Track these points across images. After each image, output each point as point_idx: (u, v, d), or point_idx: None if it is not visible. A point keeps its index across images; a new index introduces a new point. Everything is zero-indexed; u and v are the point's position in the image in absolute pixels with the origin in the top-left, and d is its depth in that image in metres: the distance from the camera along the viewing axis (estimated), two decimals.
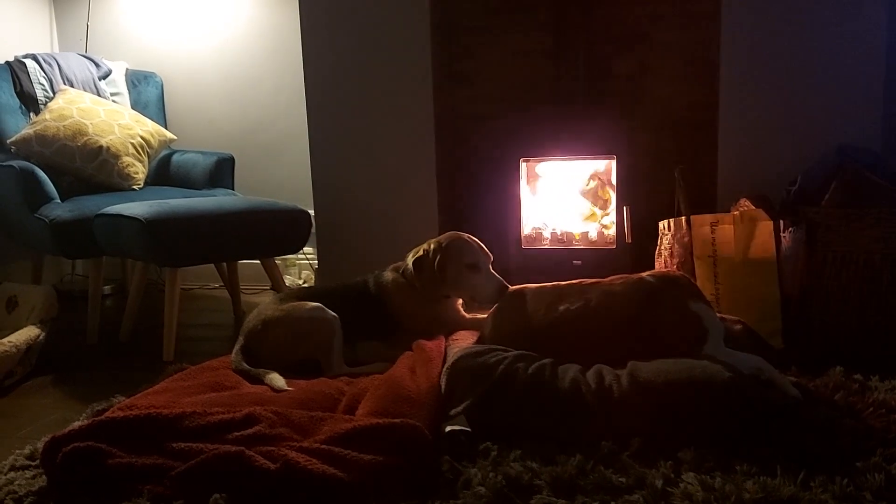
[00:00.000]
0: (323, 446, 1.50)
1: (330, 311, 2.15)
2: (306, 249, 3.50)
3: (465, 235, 2.27)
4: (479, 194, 3.13)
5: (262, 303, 2.30)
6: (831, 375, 1.98)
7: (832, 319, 2.21)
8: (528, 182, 3.02)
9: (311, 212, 3.09)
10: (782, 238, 2.37)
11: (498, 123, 3.13)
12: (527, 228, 3.01)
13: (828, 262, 2.22)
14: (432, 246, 2.23)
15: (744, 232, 2.40)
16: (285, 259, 3.80)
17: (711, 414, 1.62)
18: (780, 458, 1.49)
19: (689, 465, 1.49)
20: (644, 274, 2.07)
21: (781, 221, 2.38)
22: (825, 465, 1.46)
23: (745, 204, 2.51)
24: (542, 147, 2.96)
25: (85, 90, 3.42)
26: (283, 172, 3.79)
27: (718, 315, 2.04)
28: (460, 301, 2.33)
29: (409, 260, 2.26)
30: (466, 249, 2.22)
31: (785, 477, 1.41)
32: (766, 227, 2.38)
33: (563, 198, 3.05)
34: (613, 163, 2.89)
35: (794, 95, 2.79)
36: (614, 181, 2.90)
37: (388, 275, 2.30)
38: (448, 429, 1.67)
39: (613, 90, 3.03)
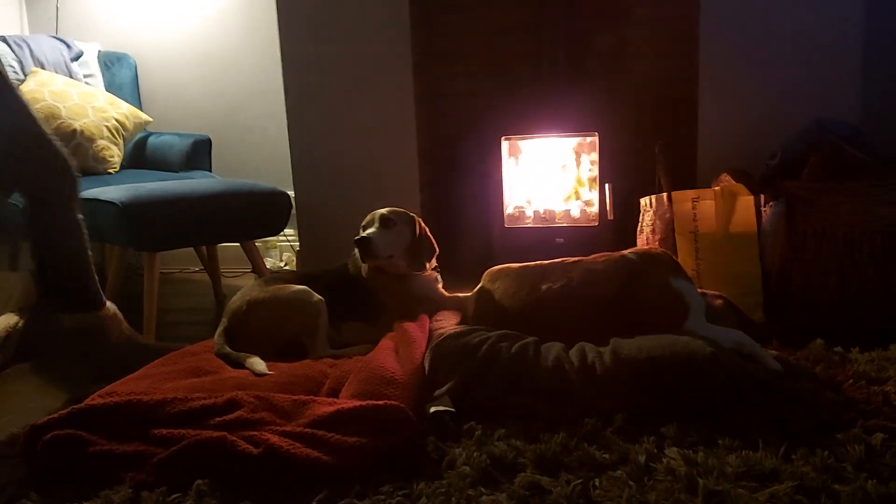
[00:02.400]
0: (306, 430, 1.49)
1: (315, 294, 2.14)
2: (287, 231, 3.47)
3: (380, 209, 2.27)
4: (461, 173, 3.12)
5: (247, 285, 2.28)
6: (812, 348, 2.00)
7: (812, 293, 2.23)
8: (509, 160, 3.01)
9: (291, 193, 3.06)
10: (763, 212, 2.38)
11: (479, 101, 3.11)
12: (509, 207, 3.00)
13: (808, 236, 2.23)
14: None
15: (725, 207, 2.40)
16: (266, 241, 3.78)
17: (693, 389, 1.63)
18: (762, 431, 1.50)
19: (672, 440, 1.50)
20: (625, 251, 2.07)
21: (762, 196, 2.38)
22: (806, 438, 1.47)
23: (726, 179, 2.52)
24: (524, 125, 2.95)
25: (56, 72, 3.35)
26: (261, 153, 3.75)
27: (700, 290, 2.05)
28: (435, 276, 2.34)
29: None
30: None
31: (767, 450, 1.43)
32: (746, 201, 2.39)
33: (545, 175, 3.04)
34: (595, 140, 2.88)
35: (773, 69, 2.79)
36: (596, 158, 2.89)
37: None
38: (432, 409, 1.67)
39: (594, 66, 3.01)
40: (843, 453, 1.41)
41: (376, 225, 2.21)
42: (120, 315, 2.23)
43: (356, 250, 2.19)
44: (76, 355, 2.14)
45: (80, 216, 2.20)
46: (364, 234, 2.17)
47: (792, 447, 1.43)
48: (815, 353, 1.96)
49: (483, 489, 1.37)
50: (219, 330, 2.14)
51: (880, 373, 1.82)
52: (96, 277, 2.22)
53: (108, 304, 2.20)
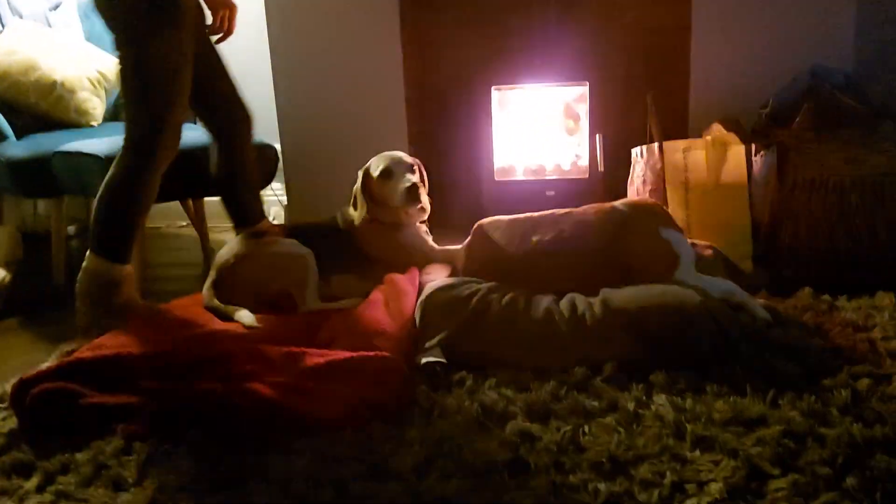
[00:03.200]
0: (298, 382, 1.50)
1: (304, 247, 2.13)
2: (274, 185, 3.43)
3: (387, 153, 2.26)
4: (451, 124, 3.08)
5: (235, 238, 2.26)
6: (800, 297, 2.01)
7: (802, 242, 2.23)
8: (500, 111, 2.97)
9: (278, 146, 3.02)
10: (753, 162, 2.36)
11: (468, 50, 3.05)
12: (499, 161, 2.96)
13: (798, 186, 2.23)
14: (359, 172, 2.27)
15: (716, 157, 2.39)
16: None
17: (683, 338, 1.64)
18: (750, 378, 1.52)
19: (661, 387, 1.52)
20: (616, 203, 2.06)
21: (753, 145, 2.37)
22: (793, 384, 1.49)
23: (718, 128, 2.50)
24: (514, 74, 2.90)
25: (35, 22, 3.26)
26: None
27: (689, 241, 2.05)
28: (424, 229, 2.32)
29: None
30: (375, 162, 2.24)
31: (754, 396, 1.44)
32: (737, 151, 2.38)
33: (536, 127, 3.00)
34: (586, 89, 2.84)
35: (766, 17, 2.75)
36: (587, 108, 2.86)
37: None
38: (423, 360, 1.68)
39: (585, 11, 2.95)
40: (830, 398, 1.43)
41: (407, 172, 2.19)
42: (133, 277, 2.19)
43: (404, 192, 2.15)
44: (92, 306, 2.08)
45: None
46: (412, 182, 2.15)
47: (779, 393, 1.45)
48: (803, 302, 1.97)
49: (474, 437, 1.38)
50: (207, 283, 2.13)
51: (867, 320, 1.84)
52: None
53: (130, 265, 2.15)
